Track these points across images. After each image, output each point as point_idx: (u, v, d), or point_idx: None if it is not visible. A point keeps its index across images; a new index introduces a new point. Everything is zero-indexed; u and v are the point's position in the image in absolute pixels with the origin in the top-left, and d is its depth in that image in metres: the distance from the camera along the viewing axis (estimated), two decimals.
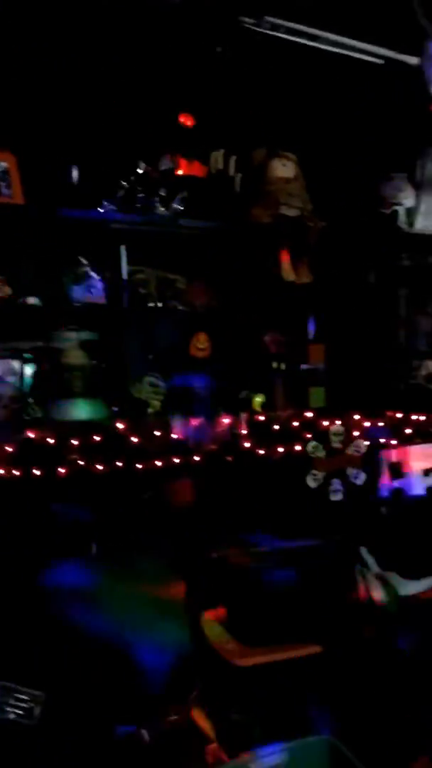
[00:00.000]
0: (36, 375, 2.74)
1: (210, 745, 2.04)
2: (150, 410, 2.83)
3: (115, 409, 2.75)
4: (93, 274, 2.74)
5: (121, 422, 2.66)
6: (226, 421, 2.86)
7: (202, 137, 3.06)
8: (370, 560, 2.86)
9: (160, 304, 2.91)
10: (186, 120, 3.18)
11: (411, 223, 3.45)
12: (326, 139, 3.19)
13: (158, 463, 2.70)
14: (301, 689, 2.33)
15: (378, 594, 2.64)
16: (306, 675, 2.37)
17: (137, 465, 2.66)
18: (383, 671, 2.24)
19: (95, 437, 2.60)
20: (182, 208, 2.78)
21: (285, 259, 2.94)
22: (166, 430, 2.74)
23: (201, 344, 2.97)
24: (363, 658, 2.33)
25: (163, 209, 2.77)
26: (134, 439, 2.67)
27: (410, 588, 2.60)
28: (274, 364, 3.00)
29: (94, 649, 2.22)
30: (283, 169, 3.04)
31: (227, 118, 3.04)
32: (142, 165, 2.77)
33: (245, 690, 2.34)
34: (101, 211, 2.72)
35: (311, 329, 3.16)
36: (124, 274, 2.76)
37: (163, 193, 2.77)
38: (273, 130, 3.11)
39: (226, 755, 2.04)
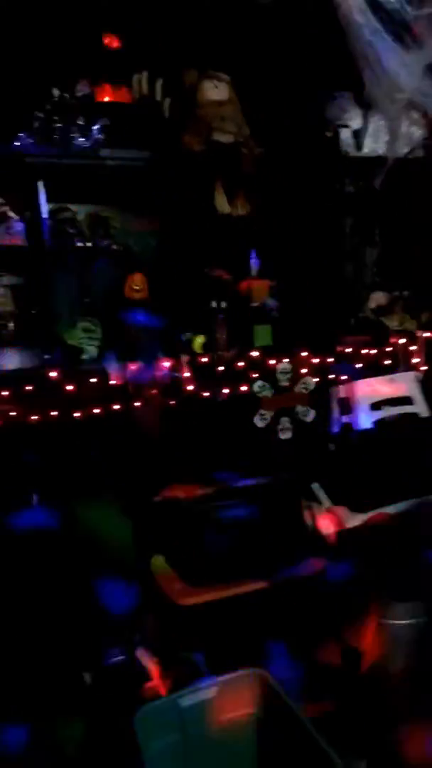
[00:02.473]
0: None
1: (148, 683, 2.05)
2: (85, 356, 2.72)
3: (47, 356, 2.64)
4: (11, 214, 2.56)
5: (54, 370, 2.56)
6: (167, 364, 2.77)
7: (128, 59, 2.83)
8: (321, 495, 2.84)
9: (89, 244, 2.75)
10: (111, 41, 2.94)
11: (359, 146, 3.28)
12: (262, 57, 2.96)
13: (96, 411, 2.62)
14: (246, 625, 2.33)
15: (327, 528, 2.63)
16: (252, 611, 2.37)
17: (74, 414, 2.58)
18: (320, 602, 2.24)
19: (27, 387, 2.51)
20: (103, 138, 2.59)
21: (219, 189, 2.77)
22: (104, 376, 2.64)
23: (137, 285, 2.83)
24: (306, 592, 2.33)
25: (82, 139, 2.57)
26: (69, 387, 2.57)
27: (358, 520, 2.58)
28: (214, 303, 2.88)
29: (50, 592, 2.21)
30: (216, 91, 2.84)
31: (152, 36, 2.80)
32: (57, 92, 2.55)
33: (190, 628, 2.34)
34: (17, 144, 2.52)
35: (254, 264, 3.02)
36: (44, 213, 2.59)
37: (81, 122, 2.57)
38: (203, 48, 2.87)
39: (168, 693, 2.05)
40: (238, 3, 2.86)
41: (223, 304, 2.91)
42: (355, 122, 3.31)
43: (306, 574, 2.45)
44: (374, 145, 3.33)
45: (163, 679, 2.14)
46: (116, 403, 2.66)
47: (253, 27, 2.91)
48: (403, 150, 2.98)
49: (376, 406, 2.93)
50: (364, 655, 2.07)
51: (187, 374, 2.79)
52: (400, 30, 2.29)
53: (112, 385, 2.66)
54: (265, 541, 2.52)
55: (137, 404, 2.68)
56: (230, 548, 2.47)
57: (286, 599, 2.39)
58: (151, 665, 2.19)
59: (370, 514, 2.62)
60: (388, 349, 3.18)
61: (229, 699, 1.79)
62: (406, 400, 2.96)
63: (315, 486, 2.89)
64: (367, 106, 3.29)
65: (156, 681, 2.09)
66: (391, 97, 2.54)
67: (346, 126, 3.24)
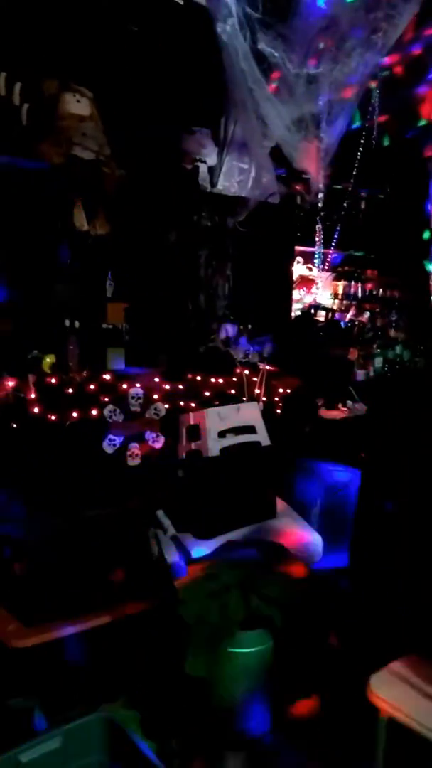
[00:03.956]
0: None
1: None
2: None
3: None
4: None
5: None
6: (11, 383, 2.58)
7: None
8: (166, 522, 2.83)
9: None
10: None
11: (213, 182, 3.42)
12: (127, 81, 2.96)
13: None
14: (87, 663, 2.23)
15: (172, 557, 2.62)
16: (94, 647, 2.27)
17: None
18: (167, 636, 2.23)
19: None
20: None
21: (78, 206, 2.68)
22: None
23: None
24: (150, 625, 2.29)
25: None
26: None
27: (203, 548, 2.62)
28: (67, 322, 2.76)
29: None
30: (78, 105, 2.76)
31: (14, 38, 2.64)
32: None
33: (25, 672, 2.16)
34: None
35: (109, 285, 2.97)
36: None
37: None
38: (68, 60, 2.79)
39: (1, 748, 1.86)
40: (110, 23, 2.83)
41: (76, 324, 2.81)
42: (211, 159, 3.45)
43: (151, 606, 2.42)
44: (227, 183, 3.50)
45: None
46: None
47: (121, 48, 2.90)
48: (258, 194, 3.17)
49: (222, 434, 3.02)
50: (211, 685, 2.10)
51: (32, 395, 2.62)
52: (278, 83, 2.46)
53: None
54: (107, 571, 2.45)
55: None
56: (67, 582, 2.35)
57: (132, 633, 2.33)
58: None
59: (214, 541, 2.68)
60: (234, 380, 3.33)
61: (76, 748, 1.68)
62: (249, 429, 3.11)
63: (160, 513, 2.89)
64: (222, 145, 3.47)
65: None
66: (260, 143, 2.70)
67: (203, 161, 3.36)
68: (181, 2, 2.77)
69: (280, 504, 3.04)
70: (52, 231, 2.72)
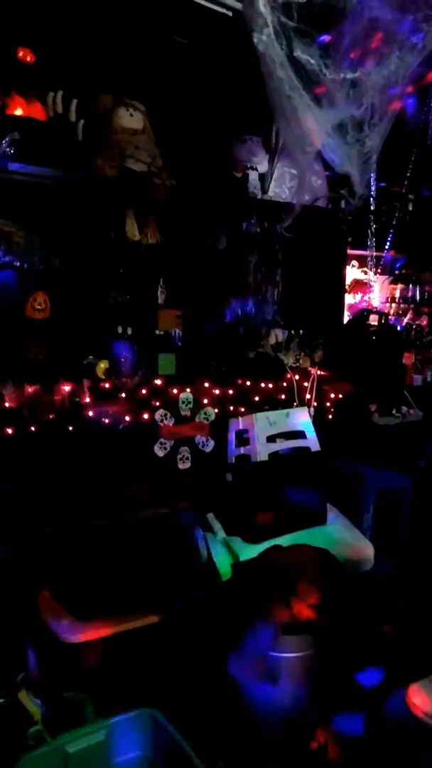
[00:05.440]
0: None
1: (32, 728, 1.93)
2: None
3: None
4: None
5: None
6: (67, 388, 2.69)
7: (41, 74, 2.77)
8: (216, 526, 2.87)
9: None
10: (25, 55, 2.86)
11: (264, 189, 3.44)
12: (178, 93, 3.03)
13: None
14: (137, 661, 2.28)
15: (221, 560, 2.65)
16: (142, 646, 2.32)
17: None
18: (214, 638, 2.25)
19: None
20: (12, 151, 2.49)
21: (130, 216, 2.77)
22: None
23: (39, 304, 2.73)
24: (200, 627, 2.33)
25: None
26: None
27: (251, 552, 2.63)
28: (120, 329, 2.85)
29: None
30: (130, 119, 2.85)
31: (69, 56, 2.77)
32: None
33: (78, 667, 2.24)
34: None
35: (161, 293, 3.04)
36: None
37: None
38: (120, 75, 2.89)
39: (53, 736, 1.94)
40: (159, 37, 2.92)
41: (129, 331, 2.90)
42: (262, 166, 3.48)
43: (199, 607, 2.46)
44: (278, 189, 3.51)
45: (48, 722, 2.03)
46: (9, 427, 2.53)
47: (171, 62, 2.98)
48: (306, 198, 3.17)
49: (271, 438, 3.03)
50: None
51: (87, 400, 2.72)
52: (317, 89, 2.46)
53: (7, 408, 2.53)
54: (157, 572, 2.50)
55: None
56: (120, 580, 2.42)
57: (178, 633, 2.37)
58: (35, 708, 2.07)
59: (263, 544, 2.69)
60: (283, 385, 3.33)
61: (120, 742, 1.73)
62: (299, 434, 3.10)
63: (210, 516, 2.93)
64: (273, 152, 3.49)
65: (40, 725, 1.97)
66: (302, 148, 2.70)
67: (254, 168, 3.39)
68: (230, 14, 2.81)
69: (331, 510, 3.02)
70: (105, 241, 2.81)
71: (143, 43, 2.88)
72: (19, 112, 2.73)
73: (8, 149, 2.48)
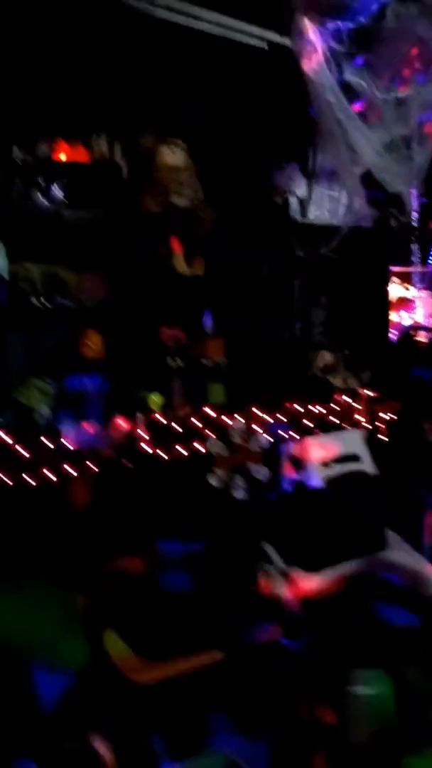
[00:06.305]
0: None
1: None
2: (37, 417, 2.62)
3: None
4: None
5: (5, 432, 2.45)
6: (122, 423, 2.72)
7: (85, 120, 2.86)
8: (273, 556, 2.84)
9: (45, 301, 2.69)
10: (68, 101, 2.95)
11: (303, 213, 3.45)
12: (216, 126, 3.08)
13: (50, 475, 2.51)
14: (205, 700, 2.26)
15: (282, 590, 2.62)
16: (209, 684, 2.30)
17: (26, 477, 2.46)
18: (285, 674, 2.22)
19: None
20: (63, 197, 2.57)
21: (177, 250, 2.81)
22: (57, 437, 2.55)
23: (92, 342, 2.79)
24: (266, 662, 2.30)
25: (42, 199, 2.54)
26: (21, 450, 2.46)
27: (312, 582, 2.60)
28: (171, 361, 2.88)
29: None
30: (172, 156, 2.91)
31: (111, 101, 2.85)
32: (17, 151, 2.52)
33: (147, 708, 2.24)
34: None
35: (207, 323, 3.07)
36: (3, 270, 2.52)
37: (41, 182, 2.54)
38: (160, 115, 2.96)
39: None
40: (196, 74, 2.98)
41: (179, 363, 2.93)
42: (300, 191, 3.50)
43: (263, 642, 2.43)
44: (317, 213, 3.53)
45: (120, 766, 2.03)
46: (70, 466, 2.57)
47: (209, 97, 3.04)
48: (352, 219, 3.17)
49: (325, 463, 3.00)
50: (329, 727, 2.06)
51: (142, 433, 2.75)
52: (366, 110, 2.48)
53: (66, 447, 2.57)
54: (218, 607, 2.49)
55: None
56: (184, 617, 2.42)
57: (245, 671, 2.35)
58: (107, 753, 2.06)
59: (324, 574, 2.65)
60: (334, 407, 3.30)
61: None
62: (353, 458, 3.06)
63: (266, 546, 2.90)
64: (311, 176, 3.50)
65: None
66: (350, 170, 2.72)
67: (293, 194, 3.41)
68: (266, 47, 2.86)
69: (391, 535, 2.96)
70: (154, 275, 2.86)
71: (181, 82, 2.94)
72: (63, 157, 2.82)
73: (59, 195, 2.56)
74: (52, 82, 2.70)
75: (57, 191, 2.57)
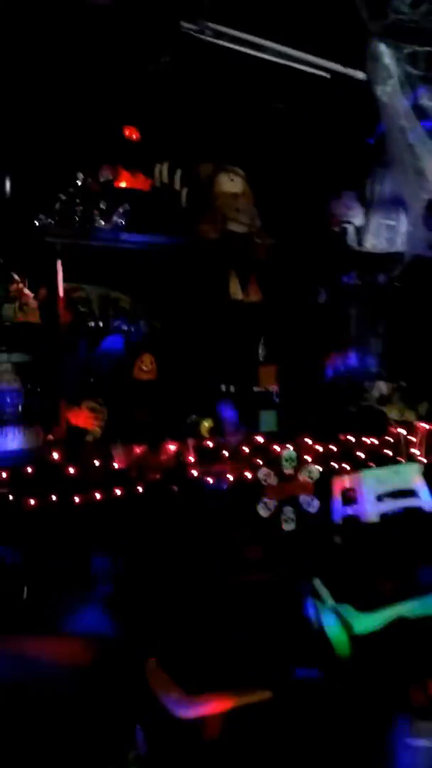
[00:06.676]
0: None
1: None
2: (89, 438, 2.63)
3: (51, 437, 2.54)
4: (27, 291, 2.53)
5: (56, 451, 2.46)
6: (172, 447, 2.69)
7: (147, 149, 2.93)
8: (323, 592, 2.72)
9: (101, 324, 2.73)
10: (131, 133, 3.04)
11: (360, 242, 3.41)
12: (275, 155, 3.11)
13: (97, 496, 2.50)
14: (251, 739, 2.15)
15: (334, 631, 2.50)
16: (256, 723, 2.19)
17: (74, 498, 2.46)
18: (334, 719, 2.09)
19: (28, 469, 2.40)
20: (123, 222, 2.62)
21: (233, 277, 2.82)
22: (107, 459, 2.55)
23: (146, 366, 2.80)
24: (316, 704, 2.18)
25: (102, 223, 2.60)
26: (71, 470, 2.47)
27: (365, 622, 2.47)
28: (223, 387, 2.85)
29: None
30: (231, 184, 2.94)
31: (172, 130, 2.92)
32: (81, 176, 2.60)
33: (190, 743, 2.14)
34: (36, 224, 2.54)
35: (262, 350, 3.04)
36: (61, 292, 2.57)
37: (103, 207, 2.61)
38: (220, 144, 3.01)
39: None
40: (256, 104, 3.02)
41: (232, 388, 2.90)
42: (358, 219, 3.46)
43: (312, 681, 2.31)
44: (375, 241, 3.47)
45: None
46: (118, 488, 2.55)
47: (269, 125, 3.07)
48: (412, 246, 3.11)
49: (379, 498, 2.88)
50: None
51: (192, 458, 2.72)
52: None
53: (116, 468, 2.56)
54: (267, 642, 2.39)
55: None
56: (230, 650, 2.32)
57: (293, 711, 2.23)
58: None
59: (380, 614, 2.51)
60: (389, 440, 3.18)
61: None
62: (410, 493, 2.92)
63: (317, 581, 2.78)
64: (369, 204, 3.47)
65: None
66: (418, 195, 2.67)
67: (350, 222, 3.37)
68: (328, 76, 2.88)
69: None
70: (209, 301, 2.87)
71: (242, 111, 2.99)
72: (123, 184, 2.89)
73: (119, 220, 2.61)
74: (114, 109, 2.79)
75: (117, 217, 2.62)
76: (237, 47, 2.69)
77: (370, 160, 3.32)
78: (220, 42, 2.66)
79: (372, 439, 3.14)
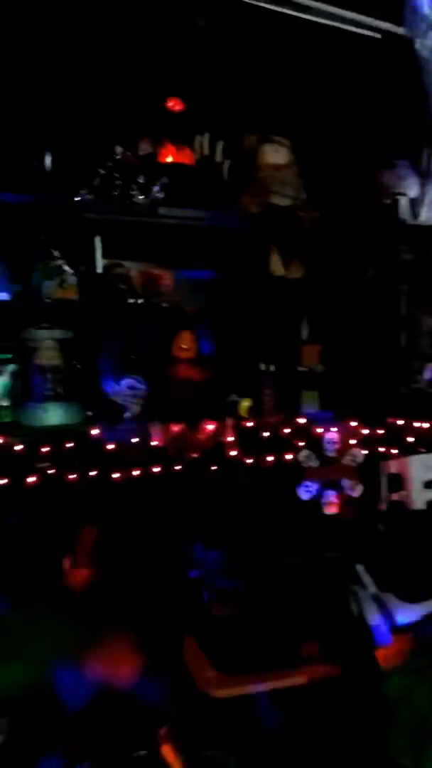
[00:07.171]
0: (14, 376, 2.56)
1: None
2: (128, 415, 2.62)
3: (90, 413, 2.55)
4: (66, 267, 2.53)
5: (96, 428, 2.47)
6: (211, 427, 2.65)
7: (189, 121, 2.86)
8: (366, 579, 2.62)
9: (141, 301, 2.70)
10: (174, 104, 2.97)
11: (415, 215, 3.22)
12: (322, 123, 2.96)
13: (135, 473, 2.50)
14: (282, 722, 2.12)
15: (373, 619, 2.41)
16: (289, 707, 2.15)
17: (113, 474, 2.46)
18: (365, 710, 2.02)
19: (68, 444, 2.41)
20: (162, 196, 2.57)
21: (274, 252, 2.72)
22: (145, 436, 2.53)
23: (185, 344, 2.76)
24: (354, 694, 2.11)
25: (141, 197, 2.55)
26: (110, 447, 2.47)
27: (408, 613, 2.36)
28: (263, 366, 2.78)
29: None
30: (275, 155, 2.83)
31: (214, 100, 2.83)
32: (119, 150, 2.56)
33: (222, 723, 2.13)
34: (77, 199, 2.52)
35: (305, 328, 2.94)
36: (99, 268, 2.55)
37: (141, 180, 2.56)
38: (264, 113, 2.89)
39: None
40: (300, 73, 2.89)
41: (272, 368, 2.82)
42: (412, 191, 3.27)
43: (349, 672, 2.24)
44: (430, 213, 3.27)
45: None
46: (156, 466, 2.54)
47: (316, 92, 2.93)
48: None
49: (428, 484, 2.75)
50: None
51: (230, 438, 2.67)
52: None
53: (153, 446, 2.55)
54: (303, 625, 2.34)
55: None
56: (267, 633, 2.29)
57: (327, 699, 2.17)
58: (177, 765, 1.98)
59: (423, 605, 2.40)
60: None
61: None
62: None
63: (360, 568, 2.69)
64: (425, 175, 3.27)
65: None
66: None
67: (403, 194, 3.19)
68: (379, 36, 2.70)
69: None
70: (251, 278, 2.79)
71: (287, 78, 2.86)
72: (169, 159, 2.83)
73: (158, 194, 2.56)
74: (154, 81, 2.72)
75: (156, 191, 2.57)
76: (278, 8, 2.55)
77: (426, 127, 3.12)
78: (260, 3, 2.53)
79: (422, 424, 2.99)
